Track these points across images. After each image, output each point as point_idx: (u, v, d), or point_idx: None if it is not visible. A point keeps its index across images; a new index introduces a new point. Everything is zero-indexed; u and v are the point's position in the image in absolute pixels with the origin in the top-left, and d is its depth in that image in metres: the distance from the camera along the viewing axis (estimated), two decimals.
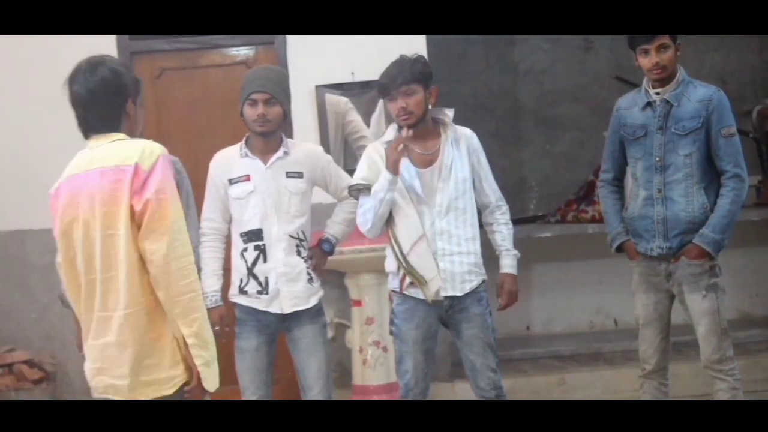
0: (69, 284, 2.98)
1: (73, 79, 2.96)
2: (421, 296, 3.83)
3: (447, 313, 3.86)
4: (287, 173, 3.99)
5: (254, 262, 3.96)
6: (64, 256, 2.94)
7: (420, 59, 3.83)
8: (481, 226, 4.00)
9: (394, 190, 3.77)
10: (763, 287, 6.66)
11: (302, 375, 4.04)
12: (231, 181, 3.97)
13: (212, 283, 3.92)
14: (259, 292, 3.96)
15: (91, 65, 2.95)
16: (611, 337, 6.33)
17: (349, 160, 5.52)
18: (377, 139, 4.18)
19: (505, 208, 4.01)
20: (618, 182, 4.24)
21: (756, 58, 7.29)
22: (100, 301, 2.89)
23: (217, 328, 3.65)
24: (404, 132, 3.75)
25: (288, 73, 4.90)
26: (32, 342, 5.56)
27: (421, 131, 3.83)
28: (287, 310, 3.97)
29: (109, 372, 2.91)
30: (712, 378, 3.99)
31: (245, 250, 3.97)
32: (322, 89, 5.55)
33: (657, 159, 3.98)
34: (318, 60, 5.52)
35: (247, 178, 3.97)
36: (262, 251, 3.95)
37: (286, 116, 4.06)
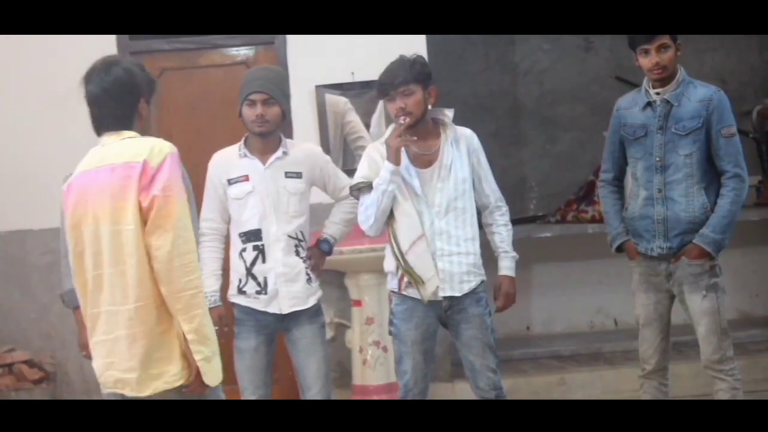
0: (77, 278, 3.01)
1: (88, 78, 3.02)
2: (419, 296, 3.82)
3: (446, 313, 3.86)
4: (286, 173, 3.99)
5: (253, 263, 3.96)
6: (72, 250, 2.99)
7: (419, 59, 3.83)
8: (481, 226, 4.00)
9: (395, 181, 3.76)
10: (763, 287, 6.66)
11: (301, 375, 4.04)
12: (230, 182, 3.97)
13: (211, 283, 3.92)
14: (258, 292, 3.96)
15: (106, 65, 3.02)
16: (611, 337, 6.32)
17: (348, 160, 5.52)
18: (377, 140, 4.18)
19: (504, 209, 4.01)
20: (618, 182, 4.24)
21: (756, 58, 7.29)
22: (109, 295, 2.92)
23: (216, 328, 3.65)
24: (401, 120, 3.73)
25: (288, 73, 4.91)
26: (32, 342, 5.55)
27: (421, 131, 3.83)
28: (286, 310, 3.97)
29: (118, 366, 2.94)
30: (712, 378, 3.99)
31: (244, 250, 3.97)
32: (322, 89, 5.55)
33: (657, 159, 3.98)
34: (318, 60, 5.52)
35: (246, 178, 3.97)
36: (260, 251, 3.95)
37: (285, 116, 4.06)
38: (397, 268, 3.85)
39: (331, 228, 4.16)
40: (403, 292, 3.86)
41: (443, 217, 3.81)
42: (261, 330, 3.98)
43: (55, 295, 4.58)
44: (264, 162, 3.98)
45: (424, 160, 3.85)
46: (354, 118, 5.58)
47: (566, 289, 6.54)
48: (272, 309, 3.97)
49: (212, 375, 2.95)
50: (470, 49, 7.12)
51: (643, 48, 3.93)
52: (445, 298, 3.82)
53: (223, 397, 3.19)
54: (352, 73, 5.50)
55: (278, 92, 3.97)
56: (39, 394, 5.29)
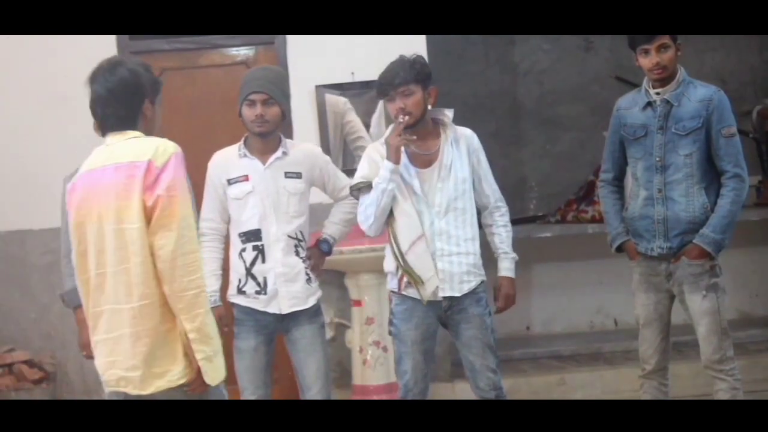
0: (79, 277, 3.02)
1: (93, 78, 3.03)
2: (419, 296, 3.82)
3: (446, 313, 3.86)
4: (286, 173, 3.98)
5: (253, 263, 3.96)
6: (76, 248, 3.00)
7: (419, 60, 3.83)
8: (481, 226, 3.99)
9: (395, 180, 3.76)
10: (763, 287, 6.66)
11: (301, 375, 4.04)
12: (229, 182, 3.97)
13: (211, 283, 3.91)
14: (258, 292, 3.95)
15: (111, 65, 3.03)
16: (611, 337, 6.33)
17: (347, 160, 5.52)
18: (377, 140, 4.18)
19: (504, 209, 4.00)
20: (618, 182, 4.24)
21: (756, 58, 7.29)
22: (112, 294, 2.93)
23: None
24: (401, 118, 3.74)
25: (287, 73, 4.91)
26: (32, 342, 5.55)
27: (421, 131, 3.82)
28: (285, 310, 3.97)
29: (121, 364, 2.95)
30: (712, 378, 3.99)
31: (244, 250, 3.97)
32: (321, 89, 5.55)
33: (657, 159, 3.98)
34: (318, 60, 5.52)
35: (246, 178, 3.97)
36: (260, 251, 3.95)
37: (285, 117, 4.06)
38: (397, 268, 3.85)
39: (331, 228, 4.16)
40: (403, 292, 3.86)
41: (443, 217, 3.81)
42: (261, 330, 3.98)
43: (55, 295, 4.58)
44: (264, 162, 3.98)
45: (424, 160, 3.85)
46: (353, 118, 5.58)
47: (566, 289, 6.54)
48: (272, 309, 3.97)
49: (213, 374, 2.96)
50: (470, 49, 7.12)
51: (643, 48, 3.93)
52: (444, 298, 3.82)
53: (226, 395, 3.20)
54: (352, 73, 5.50)
55: (278, 92, 3.97)
56: (39, 394, 5.29)
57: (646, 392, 4.13)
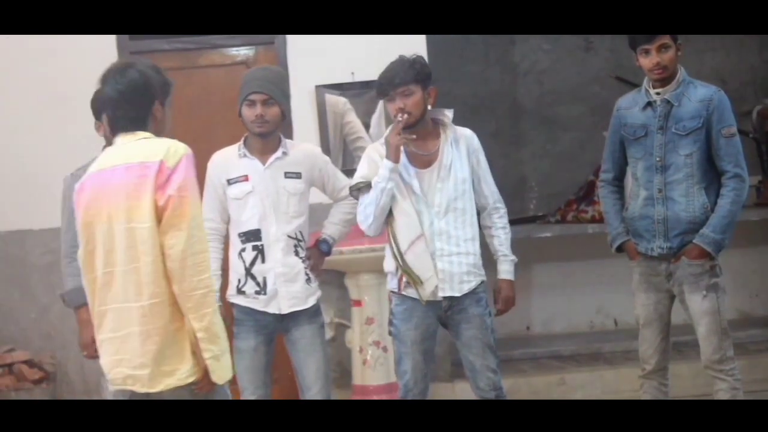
0: (86, 276, 3.04)
1: (103, 80, 3.08)
2: (418, 296, 3.82)
3: (446, 313, 3.86)
4: (286, 173, 3.98)
5: (252, 263, 3.96)
6: (84, 247, 3.02)
7: (418, 60, 3.83)
8: (480, 227, 3.99)
9: (394, 179, 3.76)
10: (763, 287, 6.66)
11: (301, 375, 4.04)
12: (229, 182, 3.97)
13: None
14: (257, 293, 3.95)
15: (122, 67, 3.07)
16: (611, 337, 6.32)
17: (347, 160, 5.52)
18: (377, 140, 4.18)
19: (503, 210, 4.00)
20: (618, 182, 4.24)
21: (756, 58, 7.29)
22: (121, 293, 2.95)
23: None
24: (400, 116, 3.73)
25: (287, 73, 4.91)
26: (32, 342, 5.55)
27: (421, 132, 3.82)
28: (285, 310, 3.97)
29: (129, 363, 2.96)
30: (712, 378, 3.99)
31: (243, 250, 3.96)
32: (321, 89, 5.55)
33: (657, 159, 3.98)
34: (318, 60, 5.52)
35: (246, 178, 3.96)
36: (260, 251, 3.95)
37: (285, 117, 4.06)
38: (397, 269, 3.85)
39: (330, 228, 4.16)
40: (403, 292, 3.86)
41: (443, 217, 3.81)
42: (260, 330, 3.98)
43: (55, 295, 4.58)
44: (264, 162, 3.98)
45: (423, 161, 3.85)
46: (353, 119, 5.58)
47: (566, 289, 6.54)
48: (271, 309, 3.97)
49: (220, 373, 2.98)
50: (470, 49, 7.12)
51: (644, 48, 3.93)
52: (444, 298, 3.82)
53: (230, 395, 3.20)
54: (352, 73, 5.50)
55: (278, 92, 3.97)
56: (39, 394, 5.29)
57: (646, 392, 4.13)
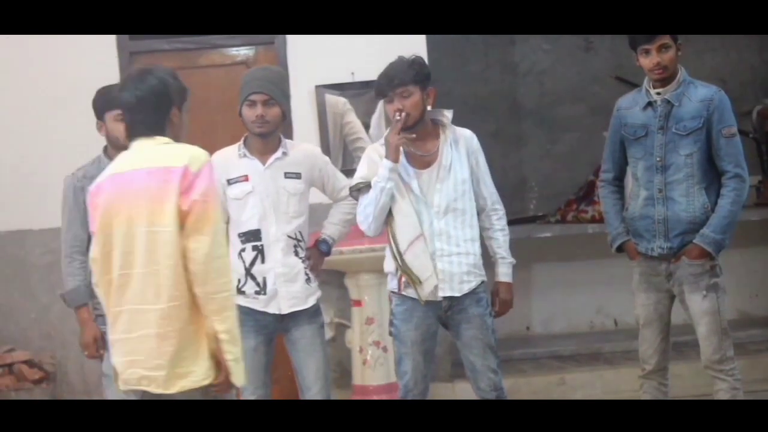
0: (101, 278, 3.06)
1: (122, 86, 3.14)
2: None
3: (446, 313, 3.86)
4: (286, 174, 3.98)
5: (252, 263, 3.95)
6: (100, 250, 3.04)
7: (417, 60, 3.82)
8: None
9: (393, 179, 3.76)
10: (763, 287, 6.66)
11: (301, 375, 4.04)
12: (229, 182, 3.97)
13: None
14: (257, 293, 3.95)
15: (141, 73, 3.11)
16: (611, 337, 6.33)
17: (347, 160, 5.53)
18: (376, 140, 4.17)
19: (501, 212, 3.99)
20: (618, 182, 4.24)
21: (756, 58, 7.29)
22: (138, 294, 2.97)
23: None
24: (398, 116, 3.73)
25: (288, 74, 4.91)
26: (32, 342, 5.55)
27: (420, 132, 3.82)
28: (285, 310, 3.97)
29: (144, 363, 2.98)
30: (712, 378, 3.99)
31: (243, 250, 3.96)
32: (321, 89, 5.55)
33: (658, 159, 3.98)
34: (318, 60, 5.52)
35: (246, 178, 3.96)
36: (260, 251, 3.95)
37: (285, 117, 4.06)
38: (397, 269, 3.85)
39: (330, 229, 4.16)
40: (403, 293, 3.86)
41: (442, 217, 3.81)
42: (260, 330, 3.97)
43: (55, 295, 4.58)
44: (264, 162, 3.98)
45: (423, 161, 3.85)
46: (353, 119, 5.58)
47: (566, 289, 6.54)
48: (271, 309, 3.97)
49: (239, 375, 3.02)
50: (470, 49, 7.12)
51: (644, 48, 3.93)
52: (444, 298, 3.82)
53: (234, 396, 3.22)
54: (352, 73, 5.50)
55: (278, 93, 3.96)
56: (39, 394, 5.29)
57: (646, 392, 4.13)
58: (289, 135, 4.90)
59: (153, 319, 2.95)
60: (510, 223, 4.12)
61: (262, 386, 3.99)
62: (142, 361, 2.98)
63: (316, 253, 4.10)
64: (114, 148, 3.96)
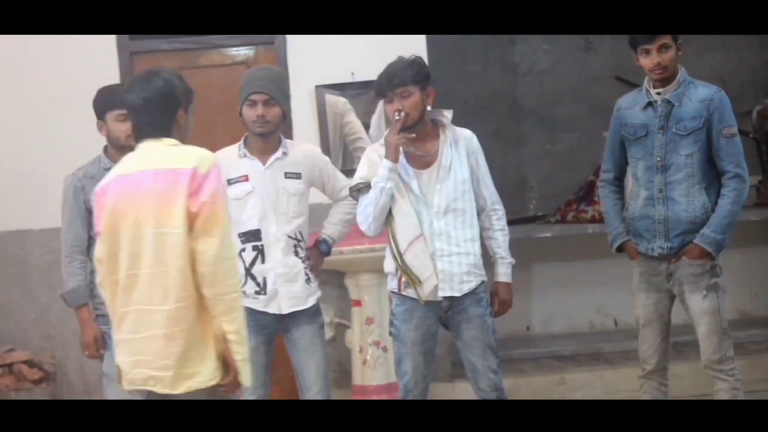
0: (106, 278, 3.07)
1: (129, 88, 3.15)
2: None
3: (446, 313, 3.86)
4: (286, 174, 3.98)
5: (252, 263, 3.96)
6: (107, 251, 3.04)
7: (417, 61, 3.82)
8: None
9: (393, 179, 3.76)
10: (763, 287, 6.66)
11: (301, 375, 4.04)
12: (229, 182, 3.96)
13: None
14: (257, 293, 3.95)
15: (148, 75, 3.13)
16: (611, 337, 6.33)
17: (347, 160, 5.53)
18: (377, 140, 4.17)
19: (501, 212, 3.99)
20: (618, 182, 4.24)
21: (756, 58, 7.29)
22: (145, 295, 2.98)
23: None
24: (398, 115, 3.73)
25: (288, 74, 4.91)
26: (32, 342, 5.55)
27: (420, 133, 3.82)
28: (285, 310, 3.97)
29: (150, 364, 2.99)
30: (712, 378, 3.99)
31: (243, 250, 3.96)
32: (321, 89, 5.55)
33: (658, 159, 3.98)
34: (318, 60, 5.52)
35: (246, 178, 3.96)
36: (260, 251, 3.95)
37: (285, 117, 4.06)
38: (397, 269, 3.85)
39: (330, 229, 4.16)
40: (403, 293, 3.86)
41: (442, 217, 3.81)
42: (260, 330, 3.97)
43: (55, 295, 4.58)
44: (264, 162, 3.98)
45: (422, 162, 3.85)
46: (353, 119, 5.58)
47: (566, 289, 6.53)
48: (271, 309, 3.97)
49: (248, 375, 3.05)
50: (470, 49, 7.12)
51: (645, 48, 3.92)
52: (445, 298, 3.82)
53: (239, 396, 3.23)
54: (352, 73, 5.50)
55: (279, 93, 3.97)
56: (39, 394, 5.29)
57: (646, 392, 4.13)
58: (289, 135, 4.90)
59: (160, 319, 2.96)
60: (510, 223, 4.12)
61: (262, 386, 3.98)
62: (148, 361, 2.99)
63: (316, 253, 4.10)
64: (115, 148, 3.96)
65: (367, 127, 5.56)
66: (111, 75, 5.22)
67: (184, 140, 3.13)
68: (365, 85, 5.33)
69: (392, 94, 3.76)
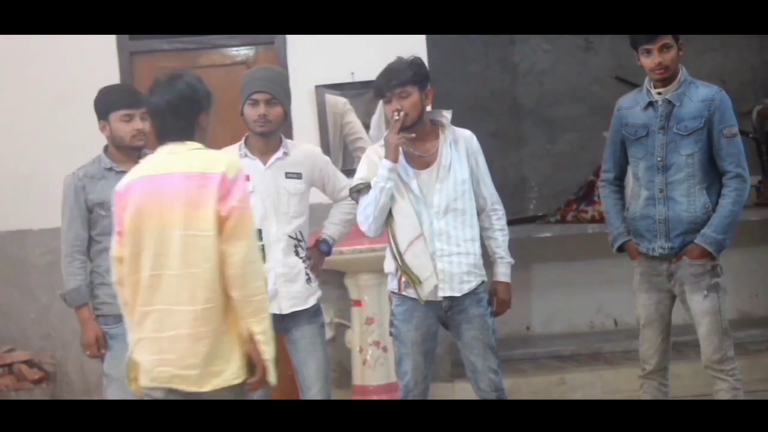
0: (128, 277, 3.09)
1: (152, 91, 3.16)
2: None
3: (446, 314, 3.85)
4: (286, 174, 3.98)
5: None
6: (129, 250, 3.07)
7: (416, 61, 3.82)
8: None
9: (393, 179, 3.76)
10: (763, 287, 6.66)
11: (301, 375, 4.04)
12: None
13: None
14: None
15: (171, 79, 3.15)
16: (611, 337, 6.33)
17: (347, 160, 5.52)
18: (377, 141, 4.17)
19: (501, 212, 3.99)
20: (619, 182, 4.24)
21: (756, 58, 7.29)
22: (171, 295, 3.01)
23: None
24: (397, 115, 3.73)
25: (288, 73, 4.91)
26: (32, 342, 5.55)
27: (419, 133, 3.82)
28: (286, 310, 3.97)
29: (177, 363, 3.02)
30: (712, 378, 3.99)
31: None
32: (321, 89, 5.55)
33: (659, 159, 3.98)
34: (318, 60, 5.52)
35: (247, 178, 3.95)
36: (260, 251, 3.95)
37: (287, 117, 4.06)
38: (397, 269, 3.85)
39: (330, 229, 4.16)
40: (403, 293, 3.86)
41: (442, 217, 3.81)
42: None
43: (55, 295, 4.58)
44: (265, 162, 3.98)
45: (422, 162, 3.85)
46: (353, 119, 5.58)
47: (566, 289, 6.53)
48: (272, 309, 3.91)
49: (274, 375, 3.08)
50: (470, 49, 7.12)
51: (645, 48, 3.92)
52: (445, 298, 3.82)
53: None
54: (352, 73, 5.50)
55: (281, 92, 3.96)
56: (39, 394, 5.29)
57: (646, 392, 4.13)
58: (289, 135, 4.90)
59: (187, 319, 3.00)
60: (510, 223, 4.12)
61: None
62: (174, 360, 3.01)
63: (316, 253, 4.10)
64: (117, 148, 3.96)
65: (367, 127, 5.56)
66: (111, 75, 5.23)
67: (204, 142, 3.16)
68: (365, 85, 5.33)
69: (391, 94, 3.76)
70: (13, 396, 5.22)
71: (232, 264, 2.99)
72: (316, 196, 4.23)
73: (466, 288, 3.84)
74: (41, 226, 5.40)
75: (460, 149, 3.87)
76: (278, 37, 5.53)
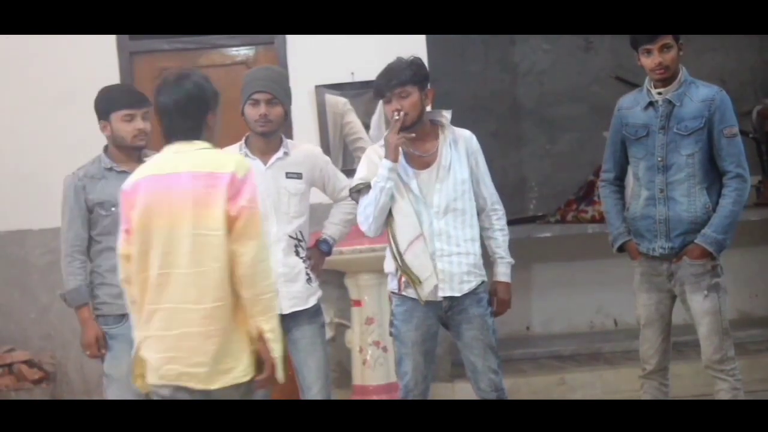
0: (135, 275, 3.10)
1: (159, 90, 3.17)
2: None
3: (446, 314, 3.85)
4: (287, 174, 3.98)
5: None
6: (138, 248, 3.08)
7: (416, 61, 3.82)
8: None
9: (393, 179, 3.76)
10: (763, 287, 6.66)
11: (301, 375, 4.04)
12: None
13: None
14: None
15: (178, 78, 3.17)
16: (611, 337, 6.33)
17: (347, 160, 5.53)
18: (377, 141, 4.17)
19: (501, 212, 3.99)
20: (619, 182, 4.24)
21: (756, 58, 7.29)
22: (180, 294, 3.03)
23: None
24: (397, 115, 3.73)
25: (288, 73, 4.91)
26: (32, 342, 5.56)
27: (419, 133, 3.82)
28: (286, 310, 3.96)
29: (185, 360, 3.04)
30: (713, 378, 3.99)
31: None
32: (321, 89, 5.55)
33: (659, 159, 3.98)
34: (318, 60, 5.52)
35: None
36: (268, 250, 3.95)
37: (287, 116, 4.06)
38: (397, 269, 3.85)
39: (330, 229, 4.16)
40: (403, 293, 3.85)
41: (442, 217, 3.81)
42: None
43: (55, 295, 4.58)
44: (265, 162, 3.98)
45: (422, 162, 3.85)
46: (353, 119, 5.58)
47: (566, 289, 6.53)
48: None
49: (282, 373, 3.11)
50: (470, 49, 7.12)
51: (646, 48, 3.92)
52: (445, 298, 3.82)
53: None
54: (352, 73, 5.50)
55: (281, 92, 3.96)
56: (39, 394, 5.29)
57: (647, 392, 4.13)
58: (289, 135, 4.90)
59: (195, 318, 3.02)
60: (510, 223, 4.12)
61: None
62: (182, 358, 3.03)
63: (316, 253, 4.10)
64: (118, 148, 3.96)
65: (367, 127, 5.56)
66: (111, 75, 5.23)
67: (212, 142, 3.17)
68: (365, 85, 5.33)
69: (391, 94, 3.76)
70: (13, 396, 5.22)
71: (242, 263, 3.01)
72: (316, 196, 4.23)
73: (466, 288, 3.84)
74: (41, 226, 5.40)
75: (459, 149, 3.87)
76: (278, 37, 5.54)
